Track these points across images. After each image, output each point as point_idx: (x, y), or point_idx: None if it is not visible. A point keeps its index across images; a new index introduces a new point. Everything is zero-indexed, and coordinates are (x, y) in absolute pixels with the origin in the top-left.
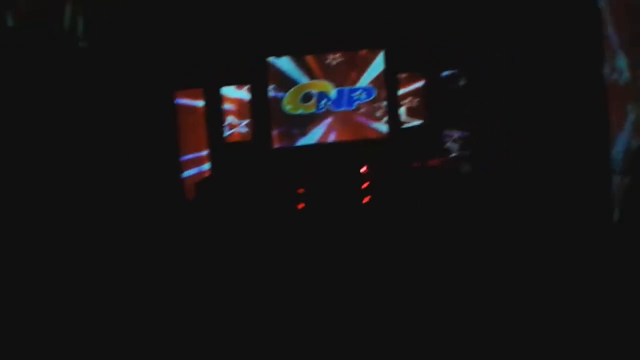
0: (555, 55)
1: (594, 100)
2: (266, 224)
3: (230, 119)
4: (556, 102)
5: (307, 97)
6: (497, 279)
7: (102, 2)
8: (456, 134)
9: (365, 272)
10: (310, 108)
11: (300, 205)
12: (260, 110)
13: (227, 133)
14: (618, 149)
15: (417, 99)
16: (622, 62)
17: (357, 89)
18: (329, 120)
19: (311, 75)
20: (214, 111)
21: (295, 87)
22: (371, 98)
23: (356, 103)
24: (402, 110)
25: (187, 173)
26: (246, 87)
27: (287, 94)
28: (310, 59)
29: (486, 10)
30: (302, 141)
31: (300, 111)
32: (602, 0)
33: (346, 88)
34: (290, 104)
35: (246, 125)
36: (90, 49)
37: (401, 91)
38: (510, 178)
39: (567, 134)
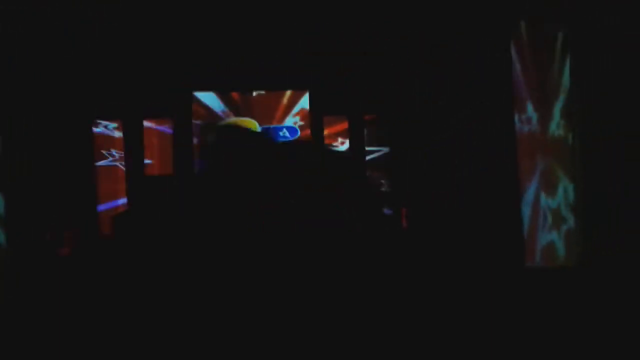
0: (470, 104)
1: (506, 150)
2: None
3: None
4: (469, 151)
5: None
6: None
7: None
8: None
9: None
10: None
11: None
12: (182, 142)
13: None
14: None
15: (341, 140)
16: (531, 111)
17: (282, 128)
18: None
19: (237, 111)
20: (134, 144)
21: (223, 122)
22: (295, 137)
23: (281, 141)
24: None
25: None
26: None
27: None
28: (235, 95)
29: (407, 55)
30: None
31: None
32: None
33: (271, 126)
34: None
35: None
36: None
37: (326, 132)
38: (421, 226)
39: (479, 183)
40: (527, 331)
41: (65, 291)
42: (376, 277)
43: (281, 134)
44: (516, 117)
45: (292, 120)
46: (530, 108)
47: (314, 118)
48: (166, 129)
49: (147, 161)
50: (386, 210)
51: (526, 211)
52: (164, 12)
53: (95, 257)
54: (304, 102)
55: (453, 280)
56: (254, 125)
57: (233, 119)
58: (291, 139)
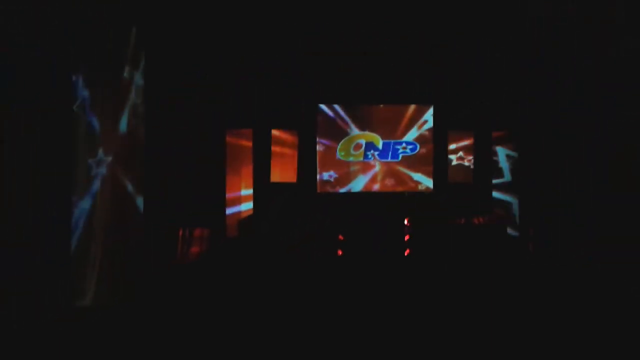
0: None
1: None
2: (304, 267)
3: None
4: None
5: (357, 147)
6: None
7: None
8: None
9: (397, 325)
10: (359, 157)
11: (340, 252)
12: (307, 154)
13: None
14: None
15: (466, 156)
16: None
17: (402, 142)
18: (375, 169)
19: (360, 125)
20: (262, 151)
21: (349, 136)
22: (415, 152)
23: (401, 155)
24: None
25: (230, 210)
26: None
27: (342, 141)
28: (360, 108)
29: (539, 70)
30: (349, 186)
31: (351, 159)
32: None
33: (392, 141)
34: (343, 151)
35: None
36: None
37: (450, 147)
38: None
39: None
40: None
41: (194, 285)
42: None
43: (401, 148)
44: None
45: (414, 135)
46: None
47: (437, 133)
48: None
49: None
50: (511, 232)
51: None
52: (292, 27)
53: (223, 256)
54: (427, 118)
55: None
56: (376, 139)
57: (357, 134)
58: (411, 153)
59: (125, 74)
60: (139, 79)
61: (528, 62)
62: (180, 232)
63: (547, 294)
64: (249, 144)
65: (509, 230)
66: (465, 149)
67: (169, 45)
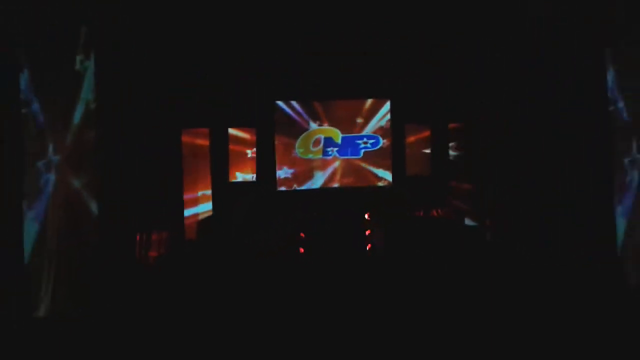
0: (558, 102)
1: (599, 159)
2: (265, 266)
3: None
4: (558, 160)
5: (316, 142)
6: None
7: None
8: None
9: (361, 319)
10: (317, 153)
11: (301, 249)
12: (266, 152)
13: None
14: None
15: (423, 149)
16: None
17: (363, 137)
18: (334, 165)
19: (318, 121)
20: (219, 151)
21: (307, 132)
22: (377, 147)
23: (362, 151)
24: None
25: (188, 211)
26: None
27: (300, 138)
28: (317, 104)
29: (496, 63)
30: (308, 184)
31: (310, 156)
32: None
33: (352, 135)
34: (302, 148)
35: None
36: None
37: (407, 141)
38: (512, 232)
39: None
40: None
41: (153, 290)
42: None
43: (362, 143)
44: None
45: (372, 128)
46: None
47: (395, 127)
48: None
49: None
50: (469, 222)
51: (621, 223)
52: (247, 25)
53: (183, 259)
54: (384, 112)
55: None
56: (335, 134)
57: (316, 128)
58: (374, 148)
59: (77, 69)
60: (90, 78)
61: (483, 55)
62: (138, 237)
63: (501, 283)
64: (207, 143)
65: (468, 221)
66: (421, 143)
67: (122, 43)
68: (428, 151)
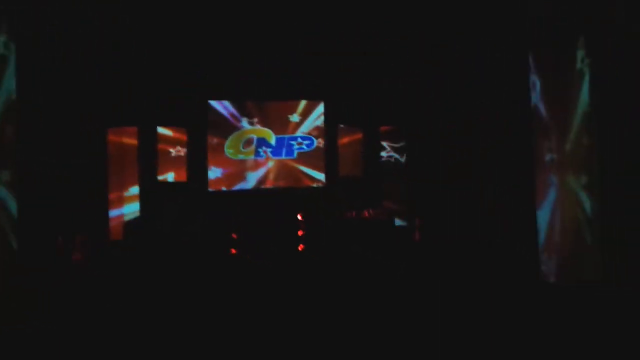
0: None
1: (521, 160)
2: (196, 267)
3: None
4: (485, 162)
5: (247, 143)
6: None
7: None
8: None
9: (294, 318)
10: (249, 154)
11: (233, 251)
12: (197, 151)
13: None
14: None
15: (355, 151)
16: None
17: (297, 138)
18: (267, 166)
19: (251, 121)
20: (147, 150)
21: (238, 132)
22: (312, 148)
23: (296, 152)
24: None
25: (114, 212)
26: None
27: (230, 138)
28: (250, 104)
29: (426, 67)
30: (239, 186)
31: (240, 156)
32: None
33: (286, 136)
34: (232, 148)
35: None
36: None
37: (340, 142)
38: (441, 231)
39: (495, 195)
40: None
41: (75, 294)
42: (388, 288)
43: (296, 144)
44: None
45: (306, 129)
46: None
47: (328, 128)
48: None
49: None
50: (398, 222)
51: (543, 224)
52: (180, 21)
53: (105, 262)
54: (318, 113)
55: (465, 292)
56: (268, 134)
57: (248, 129)
58: (308, 149)
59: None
60: (9, 77)
61: (417, 60)
62: (60, 239)
63: (427, 280)
64: (135, 142)
65: (398, 221)
66: (353, 144)
67: (45, 37)
68: (360, 152)
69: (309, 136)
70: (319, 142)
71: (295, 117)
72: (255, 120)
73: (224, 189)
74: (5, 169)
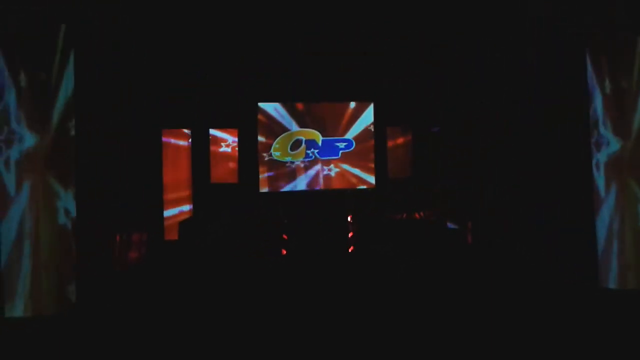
0: (540, 116)
1: (580, 165)
2: (248, 267)
3: None
4: (541, 162)
5: (295, 145)
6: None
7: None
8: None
9: (346, 321)
10: (298, 156)
11: (284, 251)
12: (248, 153)
13: None
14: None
15: (405, 152)
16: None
17: (340, 140)
18: (317, 168)
19: (300, 122)
20: (200, 152)
21: (286, 133)
22: (351, 149)
23: (340, 152)
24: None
25: (169, 212)
26: None
27: (277, 140)
28: (299, 106)
29: (475, 69)
30: (289, 187)
31: (288, 159)
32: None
33: (331, 138)
34: (279, 151)
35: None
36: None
37: (389, 144)
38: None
39: (552, 191)
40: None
41: (132, 292)
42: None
43: (339, 145)
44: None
45: (356, 132)
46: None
47: (376, 130)
48: None
49: None
50: (451, 225)
51: (602, 231)
52: (233, 26)
53: (160, 260)
54: (368, 115)
55: (519, 297)
56: (317, 136)
57: (297, 130)
58: (348, 149)
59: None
60: (69, 79)
61: (465, 62)
62: (118, 237)
63: (482, 285)
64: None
65: (449, 224)
66: (403, 145)
67: (103, 42)
68: (410, 154)
69: (350, 139)
70: (362, 143)
71: (344, 118)
72: (304, 122)
73: (278, 189)
74: (66, 173)
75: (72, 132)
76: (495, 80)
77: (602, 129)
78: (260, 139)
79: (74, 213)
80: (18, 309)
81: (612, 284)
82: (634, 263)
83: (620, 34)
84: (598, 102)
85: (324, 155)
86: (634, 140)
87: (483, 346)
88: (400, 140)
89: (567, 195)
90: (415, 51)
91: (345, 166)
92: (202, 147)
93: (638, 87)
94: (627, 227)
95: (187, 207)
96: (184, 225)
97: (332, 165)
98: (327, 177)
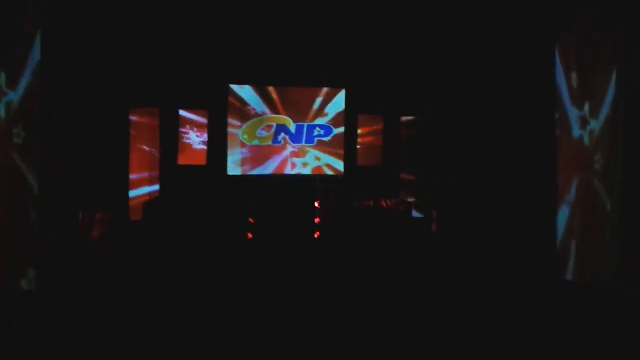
0: (511, 104)
1: (544, 157)
2: (212, 250)
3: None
4: (506, 154)
5: (266, 130)
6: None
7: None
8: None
9: (308, 305)
10: (266, 140)
11: (250, 235)
12: (217, 135)
13: None
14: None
15: (375, 141)
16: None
17: (316, 126)
18: (286, 152)
19: (271, 107)
20: (169, 132)
21: (257, 118)
22: (330, 136)
23: (316, 139)
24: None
25: (134, 193)
26: None
27: (247, 124)
28: (272, 90)
29: (448, 58)
30: (258, 171)
31: (255, 142)
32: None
33: (305, 124)
34: (247, 134)
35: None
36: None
37: (360, 131)
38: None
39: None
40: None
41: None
42: (402, 279)
43: (315, 132)
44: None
45: (327, 118)
46: (572, 115)
47: (348, 117)
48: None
49: None
50: (416, 214)
51: (562, 221)
52: (206, 3)
53: (123, 240)
54: (339, 101)
55: (480, 287)
56: (288, 122)
57: (268, 116)
58: (327, 137)
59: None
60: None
61: (439, 50)
62: (80, 216)
63: (442, 273)
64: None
65: (415, 213)
66: (373, 134)
67: (70, 17)
68: (380, 142)
69: (328, 125)
70: (337, 131)
71: (316, 105)
72: (276, 106)
73: (245, 173)
74: (29, 145)
75: (37, 106)
76: (465, 72)
77: (567, 123)
78: (230, 121)
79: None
80: None
81: (569, 276)
82: (592, 256)
83: (591, 31)
84: (565, 97)
85: (297, 141)
86: (598, 135)
87: (441, 332)
88: (371, 129)
89: (529, 187)
90: (388, 40)
91: (316, 152)
92: (170, 128)
93: (604, 83)
94: (587, 220)
95: (154, 188)
96: (149, 206)
97: (301, 151)
98: (296, 163)
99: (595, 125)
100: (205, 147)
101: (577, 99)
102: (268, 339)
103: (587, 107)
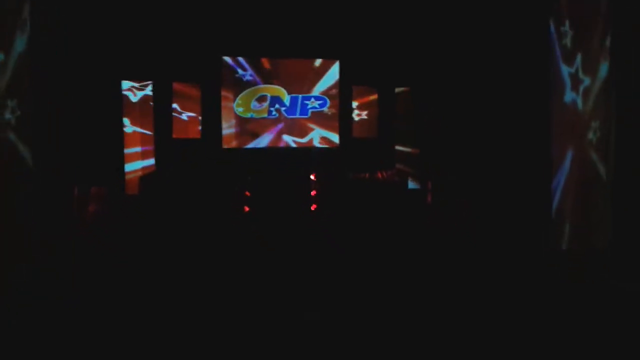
0: (505, 77)
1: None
2: (209, 224)
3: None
4: (504, 125)
5: (260, 101)
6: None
7: None
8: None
9: (304, 278)
10: (261, 113)
11: (246, 208)
12: (211, 108)
13: None
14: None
15: (369, 112)
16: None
17: (310, 97)
18: (280, 125)
19: (264, 78)
20: (163, 105)
21: (250, 89)
22: (325, 107)
23: (310, 111)
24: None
25: (130, 166)
26: None
27: (240, 95)
28: (265, 61)
29: (444, 30)
30: (253, 144)
31: (250, 114)
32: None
33: (300, 95)
34: (242, 107)
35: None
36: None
37: (354, 103)
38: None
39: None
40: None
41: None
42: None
43: (310, 103)
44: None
45: (320, 89)
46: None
47: (342, 89)
48: None
49: None
50: (412, 185)
51: (557, 190)
52: None
53: (119, 215)
54: (333, 73)
55: (475, 258)
56: (282, 93)
57: (261, 86)
58: (321, 109)
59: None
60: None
61: (433, 21)
62: (75, 190)
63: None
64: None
65: (411, 184)
66: (368, 105)
67: None
68: (375, 114)
69: (323, 96)
70: (332, 102)
71: (309, 76)
72: (270, 77)
73: (240, 146)
74: (21, 120)
75: (28, 83)
76: (459, 43)
77: (562, 94)
78: (224, 93)
79: (30, 161)
80: None
81: (564, 245)
82: (586, 225)
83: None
84: (560, 66)
85: (291, 113)
86: (592, 104)
87: (435, 303)
88: (365, 100)
89: (524, 158)
90: (382, 11)
91: (310, 124)
92: (164, 101)
93: (599, 53)
94: (581, 191)
95: (149, 162)
96: (145, 180)
97: (296, 123)
98: (290, 136)
99: (587, 82)
100: (192, 115)
101: (569, 56)
102: (265, 319)
103: (579, 59)
